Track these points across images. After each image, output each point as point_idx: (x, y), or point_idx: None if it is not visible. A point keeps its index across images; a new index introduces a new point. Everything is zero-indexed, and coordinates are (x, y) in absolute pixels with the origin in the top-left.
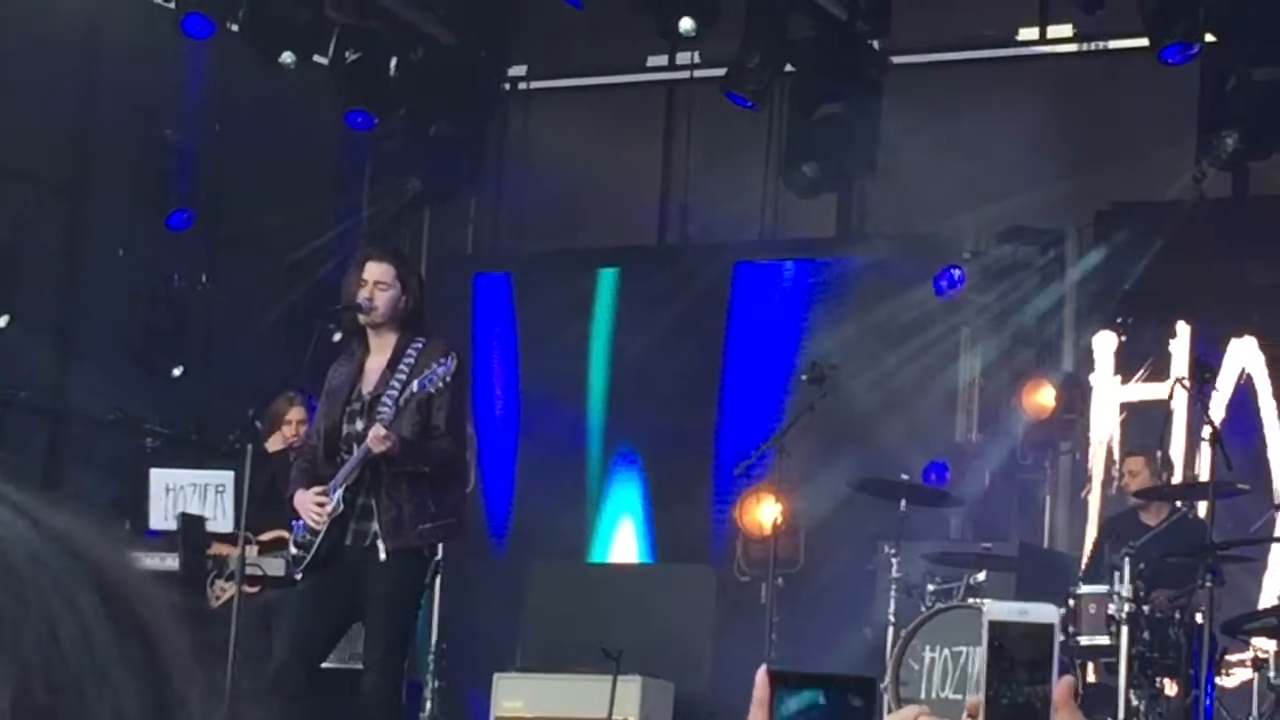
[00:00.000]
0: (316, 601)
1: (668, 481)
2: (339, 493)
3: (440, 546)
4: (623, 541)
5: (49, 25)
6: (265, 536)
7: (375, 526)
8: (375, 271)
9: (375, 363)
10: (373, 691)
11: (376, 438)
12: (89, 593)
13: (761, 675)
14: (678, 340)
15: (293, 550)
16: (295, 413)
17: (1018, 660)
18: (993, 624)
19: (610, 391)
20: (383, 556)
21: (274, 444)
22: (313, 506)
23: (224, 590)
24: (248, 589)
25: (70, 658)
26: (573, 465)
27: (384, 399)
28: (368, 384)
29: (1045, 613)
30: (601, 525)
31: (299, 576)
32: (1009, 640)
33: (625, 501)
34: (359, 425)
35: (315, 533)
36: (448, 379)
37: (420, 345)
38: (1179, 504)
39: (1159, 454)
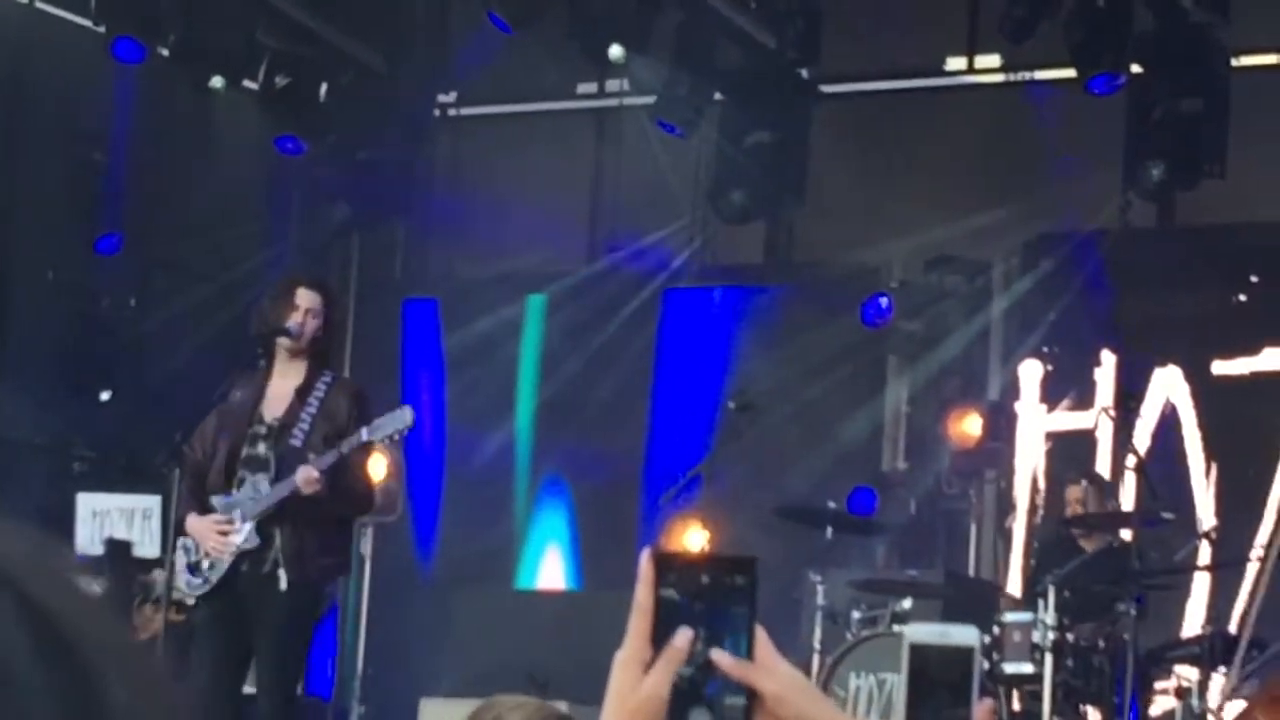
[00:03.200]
0: (223, 631)
1: (595, 508)
2: (250, 526)
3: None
4: (550, 568)
5: None
6: None
7: (276, 555)
8: (308, 299)
9: (280, 388)
10: (268, 718)
11: (308, 480)
12: (14, 623)
13: (646, 555)
14: (606, 367)
15: (187, 576)
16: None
17: (939, 683)
18: (913, 647)
19: (538, 418)
20: (283, 587)
21: None
22: (215, 536)
23: (149, 617)
24: (173, 615)
25: None
26: (500, 491)
27: (295, 430)
28: (272, 410)
29: (966, 635)
30: (528, 552)
31: (191, 601)
32: (930, 663)
33: (552, 528)
34: (261, 449)
35: (212, 559)
36: (403, 436)
37: (329, 380)
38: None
39: (1099, 481)
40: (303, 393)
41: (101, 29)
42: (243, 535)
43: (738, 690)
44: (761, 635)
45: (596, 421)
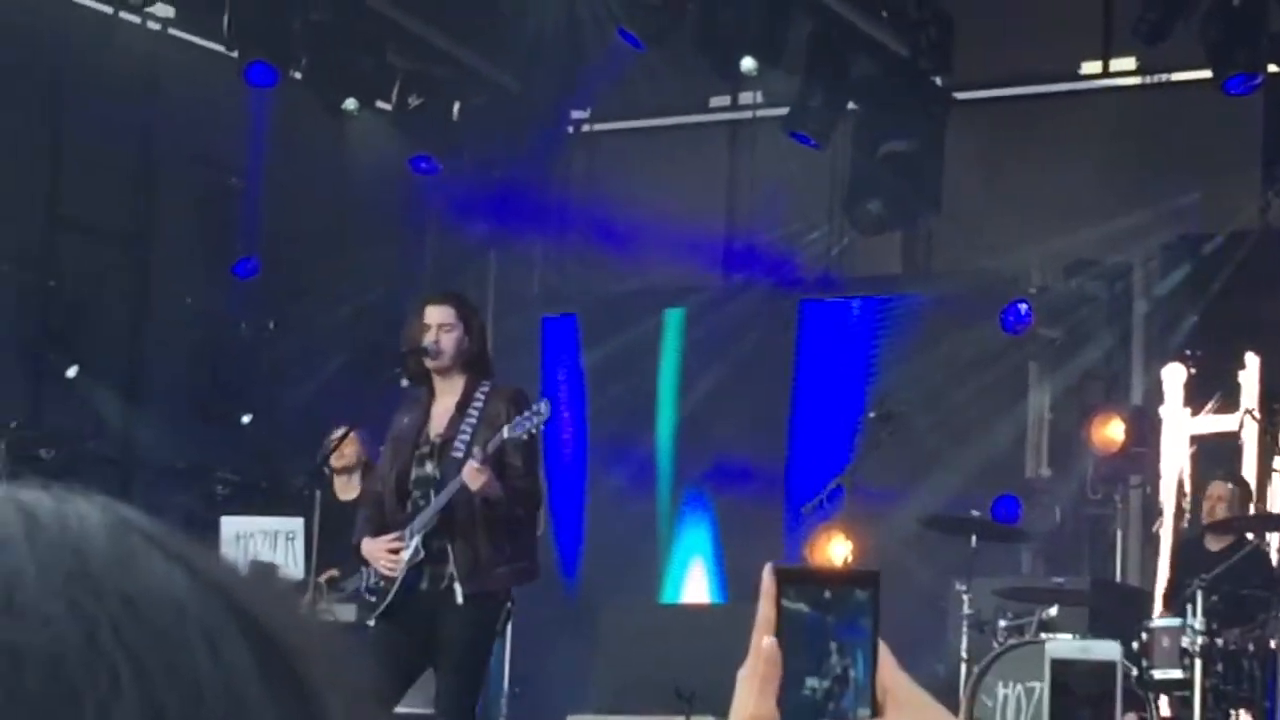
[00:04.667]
0: (391, 647)
1: (738, 521)
2: (417, 539)
3: (511, 590)
4: (694, 581)
5: (113, 78)
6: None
7: (451, 570)
8: (437, 315)
9: (442, 406)
10: None
11: (472, 472)
12: (240, 647)
13: (767, 570)
14: (745, 379)
15: (367, 597)
16: (338, 433)
17: (1081, 698)
18: (1055, 662)
19: (678, 431)
20: (459, 600)
21: (348, 493)
22: (386, 554)
23: None
24: None
25: (214, 715)
26: (642, 506)
27: (455, 443)
28: (436, 427)
29: (1107, 650)
30: (672, 565)
31: (371, 623)
32: (1072, 678)
33: (696, 541)
34: (429, 468)
35: (389, 579)
36: (540, 428)
37: (487, 389)
38: (1249, 535)
39: (1243, 485)
40: (462, 406)
41: (235, 54)
42: (410, 550)
43: (868, 704)
44: (884, 650)
45: (737, 434)
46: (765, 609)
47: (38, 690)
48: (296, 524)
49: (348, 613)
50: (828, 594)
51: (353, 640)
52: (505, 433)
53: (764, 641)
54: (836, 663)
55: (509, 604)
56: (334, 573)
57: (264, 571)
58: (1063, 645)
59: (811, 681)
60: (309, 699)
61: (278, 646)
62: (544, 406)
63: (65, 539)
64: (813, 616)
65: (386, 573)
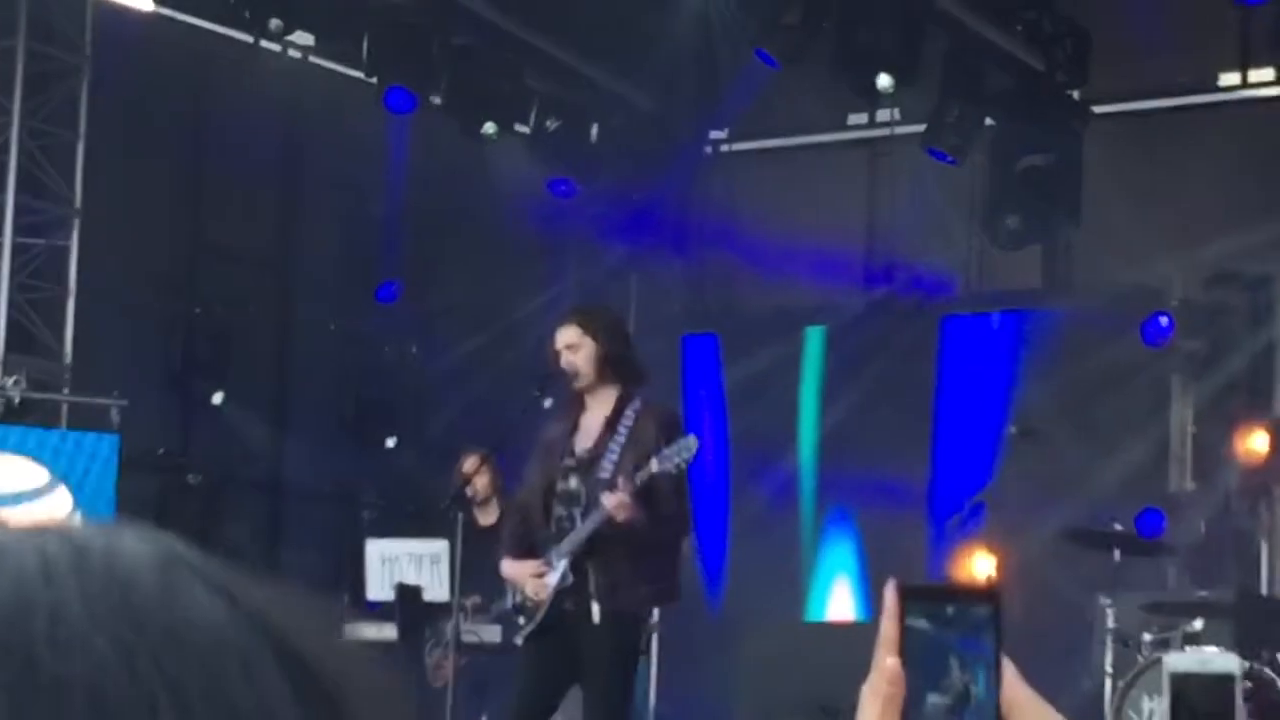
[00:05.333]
0: (539, 667)
1: (881, 538)
2: (564, 563)
3: (656, 610)
4: (838, 599)
5: (253, 105)
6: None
7: (591, 590)
8: (562, 337)
9: (592, 420)
10: None
11: (619, 505)
12: (276, 674)
13: (890, 588)
14: (887, 396)
15: (513, 617)
16: (470, 463)
17: (1200, 712)
18: (1173, 676)
19: (821, 449)
20: (596, 619)
21: (487, 518)
22: (532, 580)
23: (441, 661)
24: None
25: None
26: (786, 524)
27: (603, 462)
28: (583, 441)
29: (1226, 663)
30: (816, 583)
31: (519, 642)
32: (1191, 692)
33: (839, 559)
34: (573, 483)
35: (536, 600)
36: (686, 464)
37: (638, 407)
38: None
39: None
40: (612, 422)
41: (374, 80)
42: (557, 574)
43: (987, 717)
44: (1009, 665)
45: (879, 451)
46: (888, 627)
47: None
48: (441, 546)
49: (492, 634)
50: (950, 610)
51: (387, 666)
52: (654, 466)
53: (887, 661)
54: (958, 678)
55: (652, 623)
56: (477, 598)
57: (304, 601)
58: (1181, 659)
59: (933, 698)
60: (342, 717)
61: (313, 672)
62: (692, 441)
63: (112, 573)
64: (934, 632)
65: (533, 596)
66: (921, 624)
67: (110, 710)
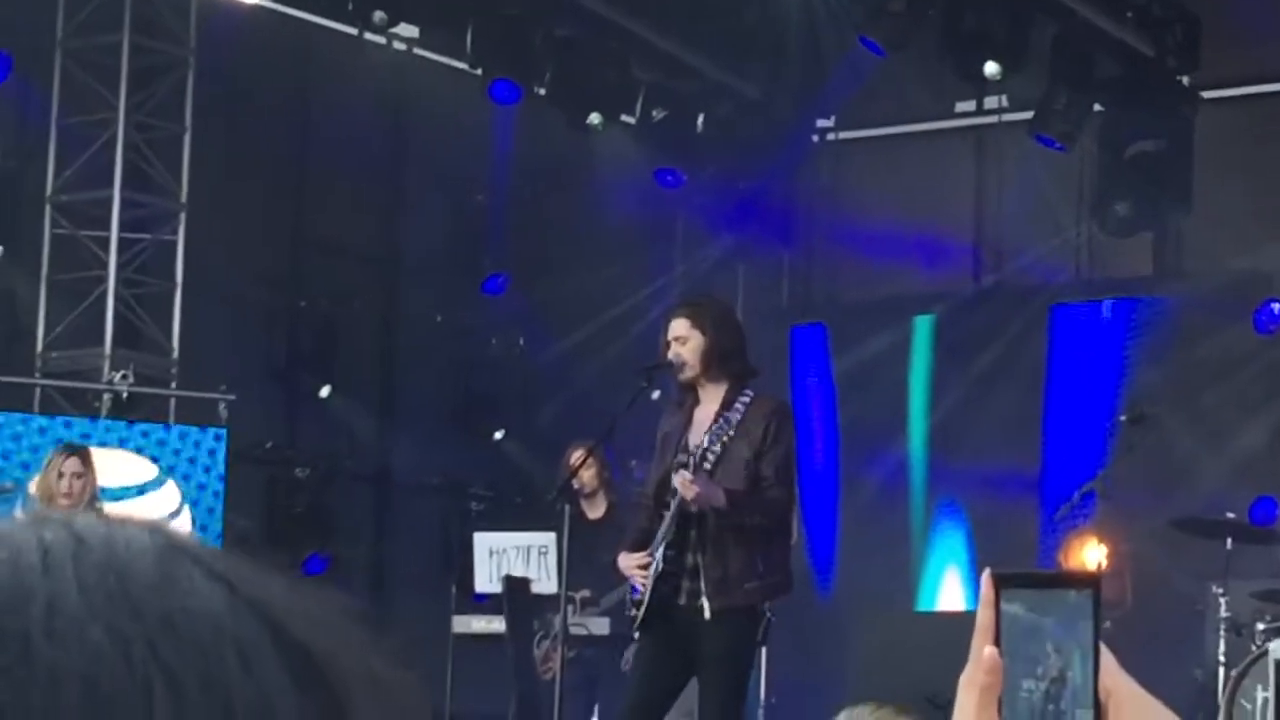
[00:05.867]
0: (655, 660)
1: (992, 527)
2: (660, 551)
3: (771, 603)
4: (949, 589)
5: (357, 98)
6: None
7: (701, 586)
8: (672, 328)
9: (704, 413)
10: None
11: (683, 483)
12: (273, 660)
13: (986, 576)
14: (996, 385)
15: (630, 611)
16: (577, 456)
17: None
18: (1279, 664)
19: (930, 438)
20: (707, 615)
21: (594, 511)
22: (636, 570)
23: (549, 653)
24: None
25: None
26: (896, 514)
27: (708, 453)
28: (694, 436)
29: None
30: (927, 573)
31: (636, 635)
32: None
33: (950, 549)
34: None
35: (642, 594)
36: (759, 442)
37: (748, 399)
38: None
39: None
40: (719, 415)
41: (478, 72)
42: (655, 562)
43: (1087, 705)
44: (1106, 652)
45: (989, 440)
46: (984, 615)
47: (74, 708)
48: (549, 538)
49: (601, 626)
50: (1047, 596)
51: (389, 654)
52: (730, 446)
53: (985, 650)
54: (1055, 666)
55: (768, 617)
56: (587, 592)
57: (305, 589)
58: None
59: (1028, 684)
60: (341, 708)
61: (314, 662)
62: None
63: (110, 562)
64: (1030, 619)
65: (640, 587)
66: (1018, 611)
67: (105, 699)
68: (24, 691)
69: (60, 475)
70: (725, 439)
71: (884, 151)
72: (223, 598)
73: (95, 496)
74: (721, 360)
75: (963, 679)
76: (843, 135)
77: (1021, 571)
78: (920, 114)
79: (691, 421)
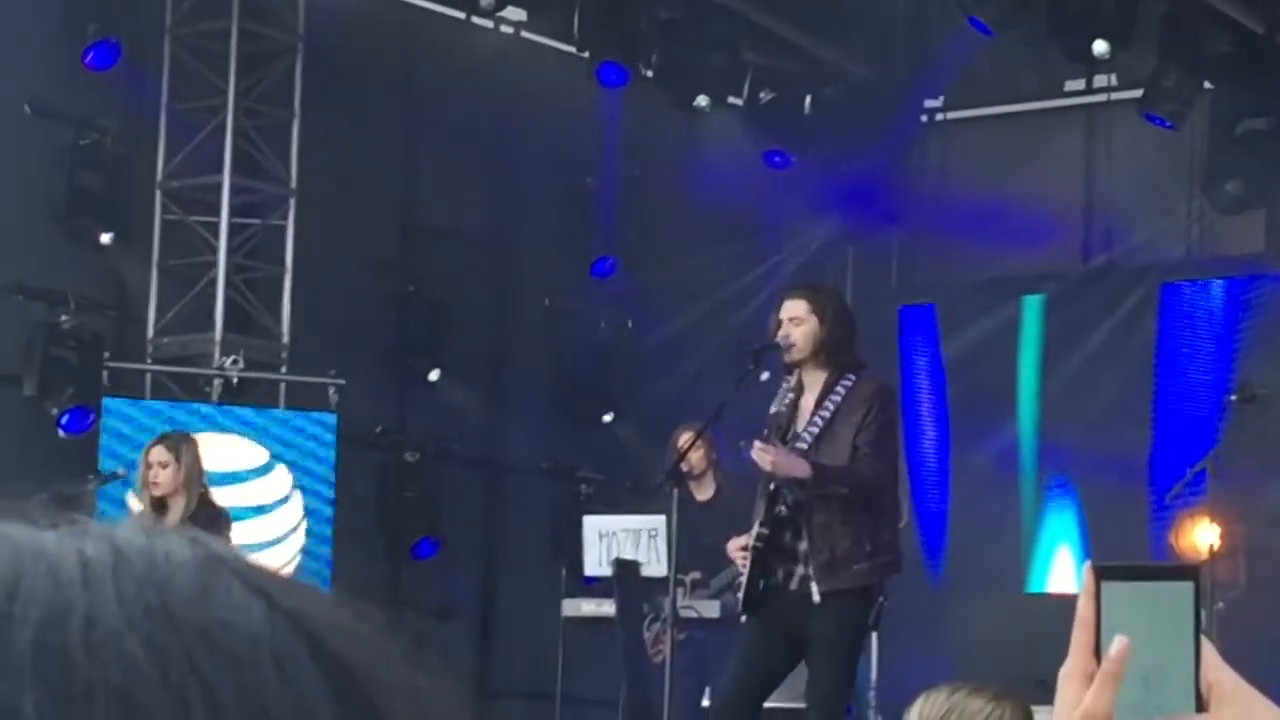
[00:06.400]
0: (760, 643)
1: (1102, 508)
2: (754, 530)
3: (884, 585)
4: (1059, 570)
5: (466, 82)
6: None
7: (809, 568)
8: (788, 309)
9: (807, 400)
10: None
11: (758, 452)
12: (312, 673)
13: (1087, 568)
14: (1106, 364)
15: (736, 595)
16: (685, 438)
17: None
18: None
19: (1040, 418)
20: (816, 599)
21: (702, 493)
22: (738, 552)
23: (660, 636)
24: (679, 634)
25: None
26: (1006, 495)
27: (806, 433)
28: (800, 422)
29: None
30: (1037, 554)
31: (743, 618)
32: None
33: (1060, 530)
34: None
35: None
36: (858, 422)
37: (850, 383)
38: None
39: None
40: (821, 400)
41: (586, 55)
42: (750, 541)
43: (1189, 697)
44: (1208, 645)
45: (1100, 420)
46: (1085, 607)
47: None
48: (658, 521)
49: (711, 609)
50: (1146, 588)
51: (433, 668)
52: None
53: (1115, 638)
54: (1155, 656)
55: (880, 599)
56: (697, 574)
57: (346, 602)
58: None
59: (1131, 677)
60: (379, 716)
61: (353, 675)
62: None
63: (150, 575)
64: (1130, 611)
65: (740, 567)
66: (1119, 603)
67: (142, 713)
68: (62, 706)
69: (149, 465)
70: (825, 420)
71: (992, 131)
72: (261, 611)
73: (199, 483)
74: (832, 350)
75: (1063, 671)
76: (951, 115)
77: (1122, 564)
78: (1029, 93)
79: (798, 409)
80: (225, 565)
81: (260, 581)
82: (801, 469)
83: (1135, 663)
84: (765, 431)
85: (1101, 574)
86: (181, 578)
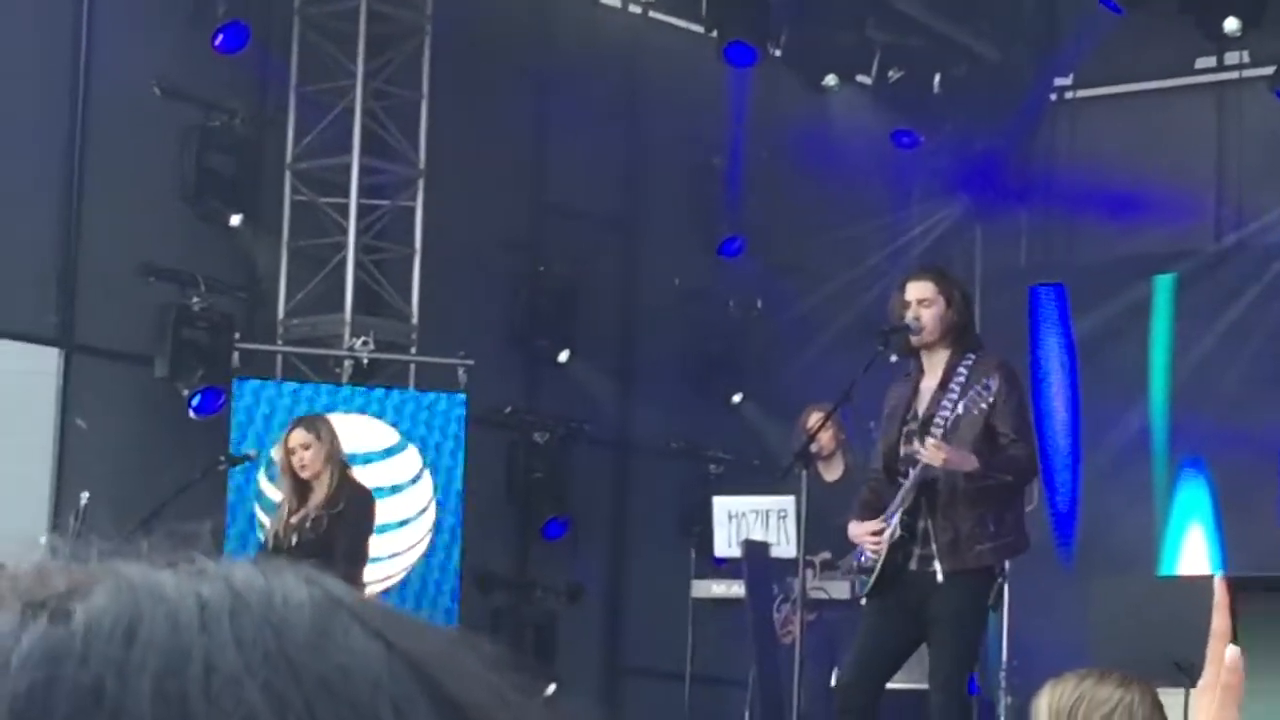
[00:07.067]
0: (882, 624)
1: (1236, 489)
2: (895, 518)
3: (1005, 565)
4: (1192, 552)
5: (595, 62)
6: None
7: (932, 548)
8: (915, 290)
9: (929, 382)
10: (940, 711)
11: (933, 449)
12: (425, 711)
13: (1219, 582)
14: (1239, 344)
15: (858, 575)
16: (814, 419)
17: None
18: None
19: (1172, 398)
20: (939, 579)
21: (831, 474)
22: (869, 537)
23: (791, 621)
24: (808, 615)
25: None
26: (1137, 475)
27: (936, 419)
28: (921, 404)
29: None
30: (1169, 536)
31: (864, 601)
32: None
33: (1193, 511)
34: (914, 445)
35: (876, 558)
36: (989, 400)
37: (970, 362)
38: None
39: None
40: (945, 382)
41: (713, 34)
42: (889, 529)
43: None
44: None
45: (1233, 400)
46: (1219, 621)
47: None
48: (788, 502)
49: (841, 590)
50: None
51: (549, 703)
52: (959, 410)
53: (1227, 650)
54: None
55: (1000, 579)
56: (827, 555)
57: (467, 644)
58: None
59: (1266, 685)
60: None
61: (468, 716)
62: (993, 381)
63: (268, 618)
64: (1267, 622)
65: (871, 554)
66: (1254, 615)
67: None
68: None
69: (291, 451)
70: (952, 403)
71: (1123, 109)
72: (380, 654)
73: (339, 463)
74: (958, 332)
75: (1199, 685)
76: (1081, 94)
77: (1256, 576)
78: (1159, 71)
79: (917, 391)
80: (342, 607)
81: (378, 623)
82: (970, 463)
83: (1270, 670)
84: (886, 412)
85: (1234, 585)
86: (299, 621)
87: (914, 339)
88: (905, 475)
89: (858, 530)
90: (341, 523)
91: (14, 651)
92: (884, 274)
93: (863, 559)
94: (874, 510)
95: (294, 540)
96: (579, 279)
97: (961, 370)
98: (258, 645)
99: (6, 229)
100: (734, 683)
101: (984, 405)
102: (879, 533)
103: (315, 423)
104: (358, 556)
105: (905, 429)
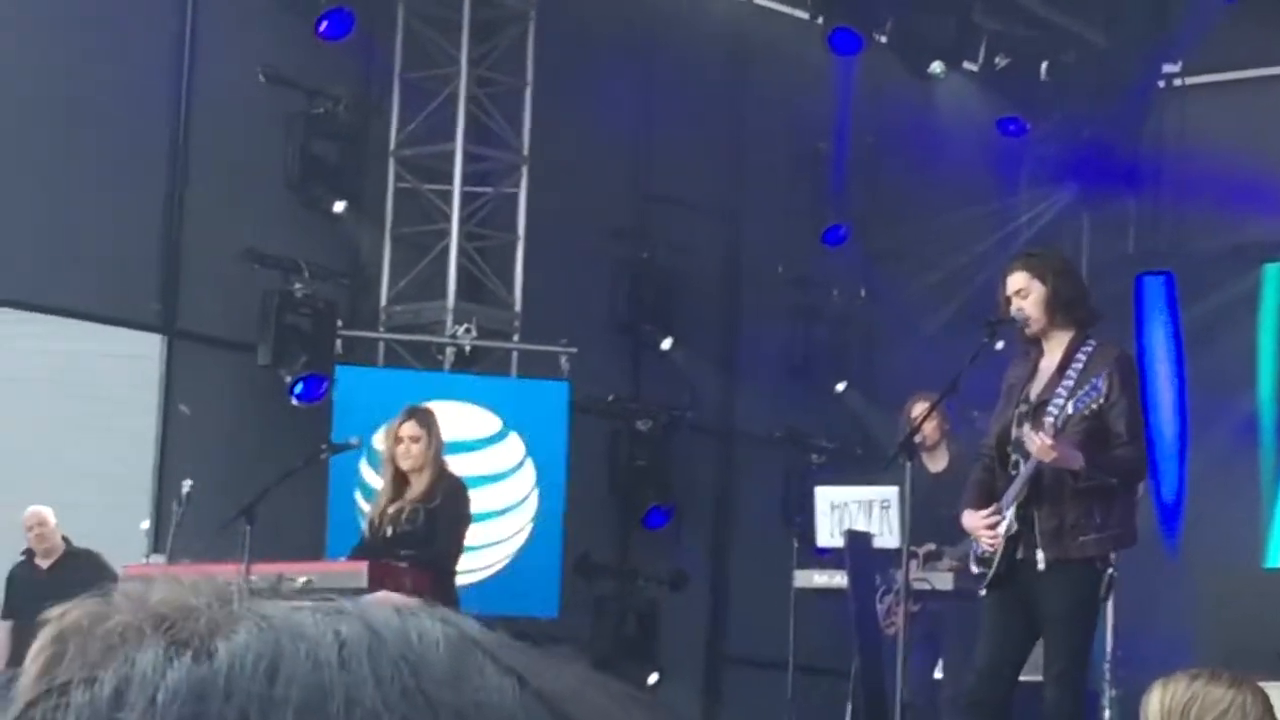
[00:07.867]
0: (1002, 616)
1: None
2: (1011, 511)
3: (1114, 558)
4: None
5: (699, 50)
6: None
7: (1035, 538)
8: (1012, 284)
9: (1047, 364)
10: (1053, 705)
11: (1042, 447)
12: None
13: None
14: None
15: (974, 568)
16: (919, 409)
17: None
18: None
19: None
20: (1040, 567)
21: (936, 464)
22: (984, 529)
23: (894, 612)
24: (912, 606)
25: None
26: (1245, 466)
27: (1049, 406)
28: (1036, 387)
29: None
30: (1277, 526)
31: (983, 593)
32: None
33: None
34: (1026, 430)
35: (990, 552)
36: (1099, 401)
37: (1090, 349)
38: None
39: None
40: (1063, 366)
41: (819, 21)
42: (1005, 522)
43: None
44: None
45: None
46: None
47: None
48: (891, 493)
49: (945, 581)
50: None
51: None
52: (1070, 409)
53: None
54: None
55: (1109, 571)
56: (932, 546)
57: (598, 681)
58: None
59: None
60: None
61: None
62: (1101, 382)
63: (405, 655)
64: None
65: (987, 547)
66: None
67: None
68: None
69: (399, 440)
70: (1065, 395)
71: (1232, 97)
72: (514, 691)
73: (439, 454)
74: (1065, 308)
75: None
76: (1189, 81)
77: None
78: (1269, 58)
79: (1036, 372)
80: (476, 644)
81: (511, 660)
82: (1076, 461)
83: None
84: (1004, 388)
85: None
86: (435, 658)
87: (1026, 330)
88: (1019, 461)
89: (973, 521)
90: (437, 517)
91: (159, 688)
92: (990, 262)
93: (979, 551)
94: (986, 491)
95: (390, 531)
96: (682, 266)
97: (1080, 356)
98: (395, 682)
99: (112, 216)
100: (836, 673)
101: (1094, 406)
102: (994, 525)
103: (427, 417)
104: (453, 550)
105: (1018, 411)
